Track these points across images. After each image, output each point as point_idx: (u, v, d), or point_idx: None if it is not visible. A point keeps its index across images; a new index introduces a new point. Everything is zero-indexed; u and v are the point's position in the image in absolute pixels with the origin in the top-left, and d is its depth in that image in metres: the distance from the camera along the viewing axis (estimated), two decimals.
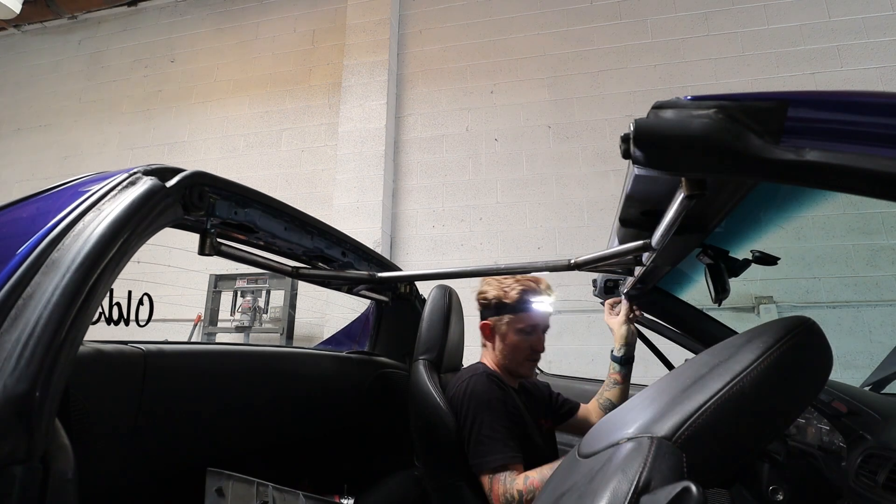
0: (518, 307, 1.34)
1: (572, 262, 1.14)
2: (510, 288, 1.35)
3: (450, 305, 1.53)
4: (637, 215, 0.86)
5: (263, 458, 1.29)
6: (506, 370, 1.38)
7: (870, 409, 1.15)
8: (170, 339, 1.22)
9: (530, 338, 1.35)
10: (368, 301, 1.84)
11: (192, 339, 3.97)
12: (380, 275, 1.41)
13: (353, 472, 1.60)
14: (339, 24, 4.56)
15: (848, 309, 3.17)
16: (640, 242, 0.93)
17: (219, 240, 0.99)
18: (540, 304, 1.36)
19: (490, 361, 1.40)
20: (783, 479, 1.18)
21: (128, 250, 0.65)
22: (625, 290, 1.52)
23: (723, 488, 1.36)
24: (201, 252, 0.96)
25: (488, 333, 1.40)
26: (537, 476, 1.10)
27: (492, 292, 1.38)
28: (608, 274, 1.52)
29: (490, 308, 1.38)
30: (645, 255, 1.00)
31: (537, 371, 2.20)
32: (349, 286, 1.54)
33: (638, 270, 1.17)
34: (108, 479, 0.90)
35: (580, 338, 3.42)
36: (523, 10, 4.21)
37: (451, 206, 3.93)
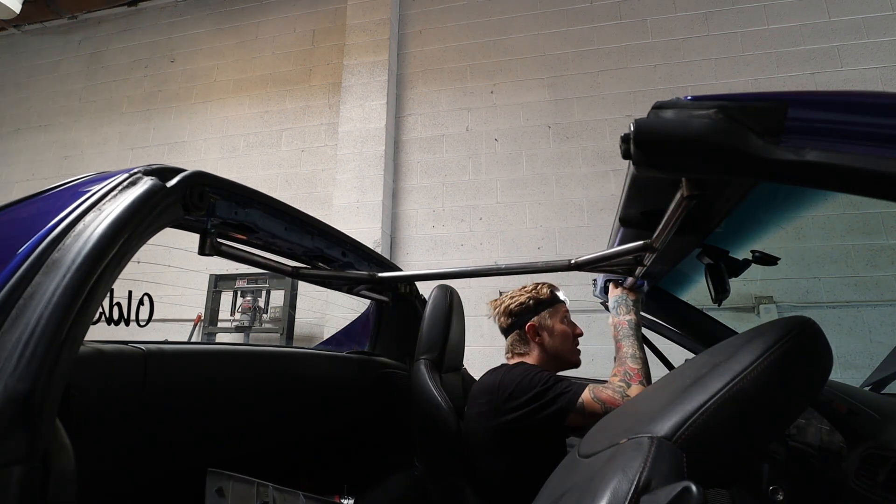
0: (553, 300, 1.44)
1: (573, 262, 1.15)
2: (537, 289, 1.45)
3: (451, 305, 1.53)
4: (637, 215, 0.86)
5: (264, 458, 1.29)
6: (558, 362, 1.42)
7: (870, 409, 1.16)
8: (170, 339, 1.22)
9: (572, 324, 1.46)
10: (368, 301, 1.84)
11: (192, 339, 3.97)
12: (380, 275, 1.41)
13: (353, 472, 1.60)
14: (339, 24, 4.56)
15: (848, 309, 3.17)
16: (640, 243, 0.93)
17: (219, 240, 0.99)
18: (563, 295, 1.48)
19: (536, 361, 1.40)
20: (783, 479, 1.18)
21: (128, 250, 0.65)
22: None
23: (723, 488, 1.36)
24: (201, 252, 0.96)
25: (533, 333, 1.41)
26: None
27: (523, 296, 1.43)
28: (608, 274, 1.52)
29: (529, 309, 1.42)
30: (646, 256, 1.00)
31: None
32: (349, 286, 1.54)
33: (638, 270, 1.17)
34: (108, 479, 0.90)
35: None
36: (523, 10, 4.21)
37: (451, 206, 3.93)
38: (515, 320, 1.42)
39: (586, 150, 3.80)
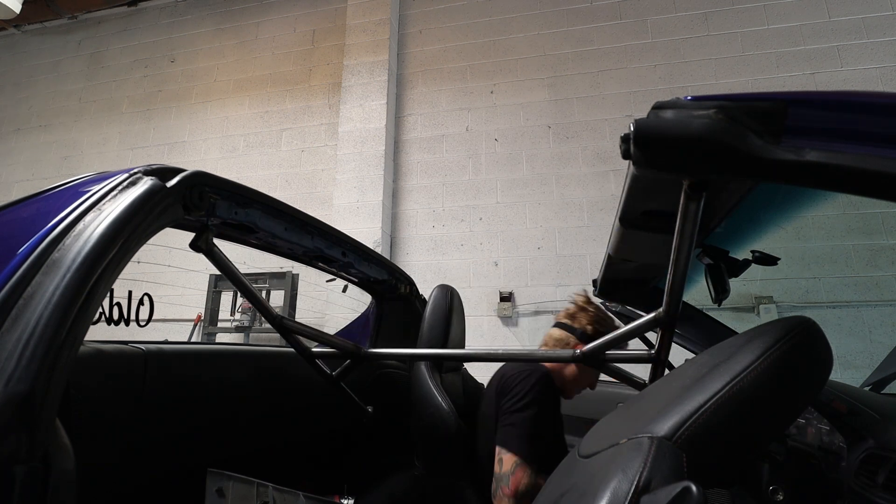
0: None
1: (578, 353, 1.11)
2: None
3: (451, 305, 1.53)
4: (637, 215, 0.86)
5: (263, 458, 1.29)
6: (564, 386, 1.40)
7: (870, 409, 1.16)
8: (170, 339, 1.22)
9: (596, 377, 1.44)
10: (368, 301, 1.84)
11: (192, 339, 3.97)
12: (366, 350, 1.36)
13: (353, 472, 1.60)
14: (339, 24, 4.56)
15: (848, 309, 3.17)
16: (651, 316, 0.92)
17: (216, 239, 0.99)
18: None
19: (555, 368, 1.39)
20: (783, 479, 1.18)
21: (128, 250, 0.65)
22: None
23: (723, 488, 1.36)
24: (194, 245, 0.96)
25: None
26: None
27: (604, 329, 1.40)
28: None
29: (592, 339, 1.36)
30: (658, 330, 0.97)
31: None
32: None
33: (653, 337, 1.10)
34: (108, 479, 0.90)
35: None
36: (523, 10, 4.21)
37: (451, 206, 3.92)
38: (581, 333, 1.40)
39: (586, 150, 3.80)
